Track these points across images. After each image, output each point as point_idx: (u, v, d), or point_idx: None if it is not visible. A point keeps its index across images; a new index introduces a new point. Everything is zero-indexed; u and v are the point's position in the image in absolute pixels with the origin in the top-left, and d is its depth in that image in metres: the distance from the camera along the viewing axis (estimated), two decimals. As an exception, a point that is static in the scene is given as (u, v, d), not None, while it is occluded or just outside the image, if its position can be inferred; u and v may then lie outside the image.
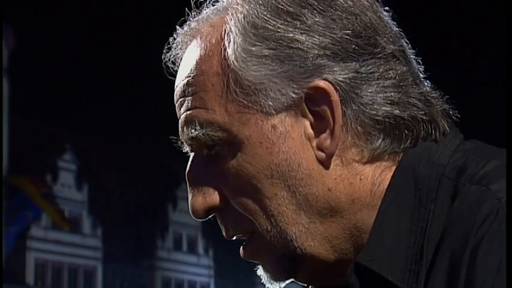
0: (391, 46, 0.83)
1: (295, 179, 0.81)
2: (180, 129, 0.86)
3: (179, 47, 0.90)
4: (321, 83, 0.79)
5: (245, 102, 0.81)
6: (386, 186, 0.81)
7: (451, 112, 0.86)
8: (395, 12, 0.87)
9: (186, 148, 0.88)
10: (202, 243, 48.20)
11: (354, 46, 0.81)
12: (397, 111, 0.81)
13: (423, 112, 0.83)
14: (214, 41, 0.84)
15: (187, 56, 0.86)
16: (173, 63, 0.90)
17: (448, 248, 0.72)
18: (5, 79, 40.90)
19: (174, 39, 0.90)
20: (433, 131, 0.83)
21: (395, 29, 0.87)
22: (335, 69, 0.80)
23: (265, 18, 0.81)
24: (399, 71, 0.83)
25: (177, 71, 0.88)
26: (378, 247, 0.78)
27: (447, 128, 0.85)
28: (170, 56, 0.90)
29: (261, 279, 0.88)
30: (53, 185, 41.49)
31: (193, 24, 0.88)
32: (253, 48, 0.81)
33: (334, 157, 0.81)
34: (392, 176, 0.82)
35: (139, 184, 46.21)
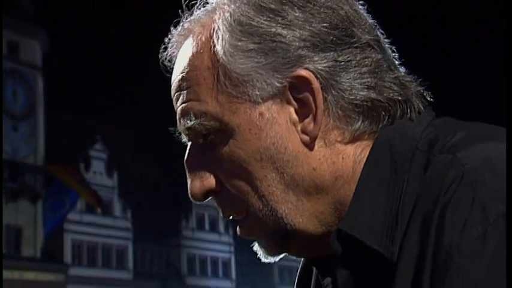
0: (367, 36, 0.84)
1: (283, 161, 0.82)
2: (177, 121, 0.87)
3: (174, 46, 0.90)
4: (303, 72, 0.81)
5: (234, 93, 0.82)
6: (366, 159, 0.83)
7: (425, 93, 0.87)
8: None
9: (184, 138, 0.89)
10: (222, 223, 48.41)
11: (331, 37, 0.82)
12: (374, 94, 0.82)
13: (398, 94, 0.83)
14: (204, 39, 0.85)
15: (181, 54, 0.87)
16: (169, 61, 0.90)
17: (420, 213, 0.74)
18: (40, 78, 41.19)
19: (169, 39, 0.91)
20: (408, 110, 0.84)
21: (370, 21, 0.87)
22: (315, 59, 0.81)
23: (250, 15, 0.82)
24: (374, 59, 0.83)
25: (173, 69, 0.89)
26: (358, 215, 0.79)
27: (422, 107, 0.85)
28: (166, 55, 0.91)
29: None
30: (85, 173, 41.63)
31: (186, 25, 0.88)
32: (240, 43, 0.82)
33: (317, 139, 0.82)
34: (370, 151, 0.82)
35: (164, 170, 46.24)
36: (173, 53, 0.89)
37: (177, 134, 0.90)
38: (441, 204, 0.71)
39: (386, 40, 0.87)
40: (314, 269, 0.93)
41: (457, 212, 0.69)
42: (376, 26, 0.86)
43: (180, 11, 0.90)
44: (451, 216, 0.70)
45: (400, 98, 0.83)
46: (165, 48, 0.90)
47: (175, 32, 0.89)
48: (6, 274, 35.67)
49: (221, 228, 48.40)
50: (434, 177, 0.74)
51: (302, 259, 0.99)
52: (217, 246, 47.86)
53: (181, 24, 0.88)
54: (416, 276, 0.72)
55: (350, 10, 0.84)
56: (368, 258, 0.77)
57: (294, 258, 0.91)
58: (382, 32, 0.87)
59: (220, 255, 47.92)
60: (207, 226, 47.76)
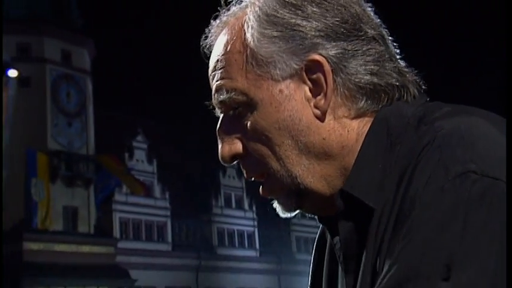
0: (372, 31, 0.86)
1: (297, 130, 0.84)
2: (212, 96, 0.89)
3: (212, 36, 0.92)
4: (317, 57, 0.83)
5: (259, 72, 0.85)
6: (367, 131, 0.85)
7: (420, 82, 0.89)
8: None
9: (218, 111, 0.91)
10: (247, 201, 48.17)
11: (342, 30, 0.84)
12: (376, 79, 0.84)
13: (396, 80, 0.86)
14: (237, 28, 0.88)
15: (218, 41, 0.90)
16: (208, 49, 0.92)
17: (398, 171, 0.76)
18: (89, 81, 41.38)
19: (209, 30, 0.93)
20: (405, 94, 0.86)
21: (377, 20, 0.89)
22: (327, 46, 0.83)
23: (275, 8, 0.85)
24: (378, 50, 0.85)
25: (211, 54, 0.92)
26: (357, 178, 0.81)
27: (416, 93, 0.88)
28: (207, 43, 0.93)
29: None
30: (129, 161, 41.64)
31: (223, 19, 0.91)
32: (266, 31, 0.84)
33: (327, 114, 0.84)
34: (370, 126, 0.84)
35: (196, 158, 46.22)
36: (212, 41, 0.92)
37: (211, 108, 0.93)
38: (413, 163, 0.72)
39: (390, 37, 0.90)
40: (328, 235, 0.95)
41: (424, 169, 0.71)
42: (381, 24, 0.89)
43: (218, 7, 0.93)
44: (419, 172, 0.71)
45: (397, 84, 0.85)
46: (206, 38, 0.93)
47: (214, 24, 0.92)
48: (66, 248, 36.17)
49: (246, 206, 48.14)
50: (415, 142, 0.75)
51: (319, 229, 1.03)
52: (243, 221, 47.62)
53: (219, 18, 0.92)
54: (387, 221, 0.74)
55: (359, 9, 0.86)
56: (365, 213, 0.79)
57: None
58: (386, 29, 0.90)
59: (245, 228, 47.71)
60: (233, 204, 47.54)
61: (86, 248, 37.38)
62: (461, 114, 0.76)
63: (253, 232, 48.15)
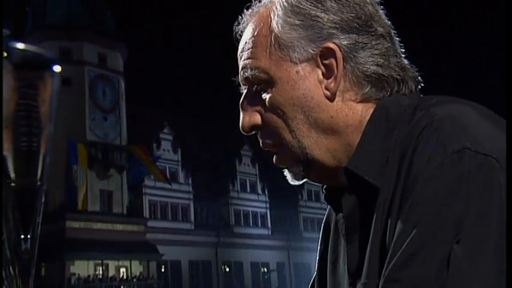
0: (381, 29, 0.86)
1: (309, 107, 0.84)
2: (239, 73, 0.89)
3: (244, 24, 0.91)
4: (331, 45, 0.83)
5: (280, 54, 0.85)
6: (369, 118, 0.85)
7: (418, 78, 0.89)
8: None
9: (242, 87, 0.91)
10: (260, 186, 48.07)
11: (355, 24, 0.84)
12: (381, 70, 0.84)
13: (398, 74, 0.85)
14: (265, 16, 0.88)
15: (248, 27, 0.90)
16: (239, 34, 0.92)
17: (398, 151, 0.76)
18: (122, 80, 41.44)
19: (242, 18, 0.93)
20: (403, 87, 0.86)
21: (387, 20, 0.89)
22: (341, 37, 0.84)
23: (299, 1, 0.85)
24: (385, 46, 0.85)
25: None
26: (360, 158, 0.81)
27: (413, 88, 0.87)
28: (239, 29, 0.92)
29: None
30: (157, 150, 41.67)
31: (255, 9, 0.91)
32: (289, 19, 0.85)
33: (336, 96, 0.84)
34: (372, 113, 0.85)
35: (216, 147, 46.25)
36: (243, 28, 0.91)
37: (237, 84, 0.93)
38: (414, 144, 0.73)
39: (397, 37, 0.90)
40: (333, 217, 0.96)
41: (424, 149, 0.71)
42: (390, 24, 0.89)
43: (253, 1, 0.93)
44: (419, 152, 0.71)
45: (398, 77, 0.85)
46: (238, 24, 0.93)
47: (247, 13, 0.92)
48: (102, 226, 36.42)
49: (259, 190, 48.05)
50: (412, 126, 0.76)
51: (327, 211, 1.02)
52: (256, 203, 47.60)
53: (252, 8, 0.92)
54: (392, 197, 0.74)
55: (372, 9, 0.86)
56: (366, 189, 0.79)
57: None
58: (394, 30, 0.90)
59: (258, 210, 47.70)
60: (248, 189, 47.52)
61: (119, 227, 37.67)
62: (452, 103, 0.77)
63: (266, 213, 48.15)
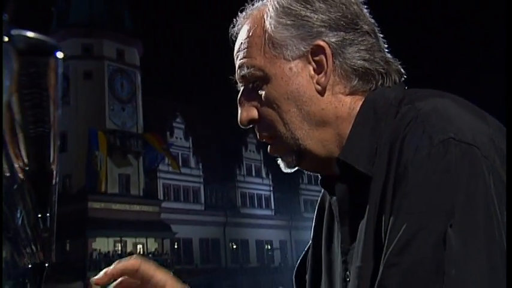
0: (366, 26, 0.85)
1: (302, 101, 0.83)
2: (236, 72, 0.88)
3: (239, 25, 0.90)
4: (321, 42, 0.83)
5: (274, 52, 0.84)
6: (357, 111, 0.84)
7: (401, 70, 0.88)
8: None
9: (239, 85, 0.89)
10: (264, 171, 48.08)
11: (342, 23, 0.84)
12: (367, 64, 0.84)
13: (382, 68, 0.85)
14: (258, 17, 0.87)
15: (243, 29, 0.89)
16: (235, 36, 0.91)
17: (387, 143, 0.75)
18: (138, 73, 41.43)
19: (236, 21, 0.92)
20: (388, 80, 0.85)
21: (371, 18, 0.88)
22: (330, 35, 0.83)
23: (289, 2, 0.85)
24: (370, 42, 0.85)
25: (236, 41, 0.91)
26: (350, 149, 0.81)
27: (397, 80, 0.87)
28: (234, 31, 0.91)
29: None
30: (170, 138, 41.72)
31: (249, 12, 0.90)
32: (281, 20, 0.84)
33: (326, 90, 0.84)
34: (361, 106, 0.84)
35: (224, 135, 46.24)
36: (238, 30, 0.90)
37: (234, 82, 0.91)
38: (401, 136, 0.72)
39: (380, 34, 0.90)
40: (327, 199, 0.96)
41: (411, 140, 0.70)
42: (374, 22, 0.89)
43: (245, 3, 0.92)
44: (407, 144, 0.71)
45: (383, 71, 0.85)
46: (233, 27, 0.91)
47: (240, 16, 0.91)
48: (120, 206, 36.58)
49: (263, 174, 48.10)
50: (399, 119, 0.75)
51: (321, 193, 1.01)
52: (261, 187, 47.72)
53: (245, 11, 0.90)
54: (384, 185, 0.73)
55: (357, 8, 0.86)
56: (356, 177, 0.79)
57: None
58: (378, 26, 0.89)
59: (263, 192, 47.84)
60: (253, 173, 47.59)
61: (136, 207, 37.77)
62: (435, 97, 0.76)
63: (269, 195, 48.31)
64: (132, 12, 42.71)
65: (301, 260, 1.04)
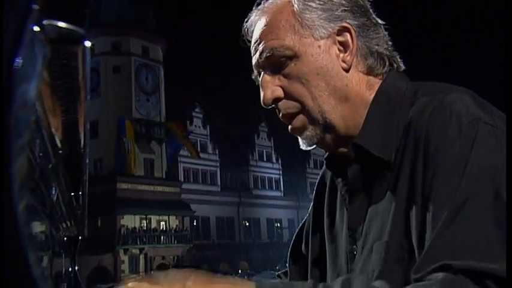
0: (375, 20, 0.86)
1: (329, 76, 0.82)
2: (257, 57, 0.85)
3: (257, 17, 0.87)
4: (346, 24, 0.83)
5: (303, 32, 0.83)
6: (374, 93, 0.84)
7: (400, 62, 0.88)
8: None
9: (255, 73, 0.87)
10: (274, 156, 47.95)
11: (360, 10, 0.84)
12: (380, 49, 0.84)
13: (390, 53, 0.86)
14: (285, 3, 0.85)
15: (264, 18, 0.86)
16: (250, 28, 0.88)
17: (413, 131, 0.73)
18: (161, 68, 41.31)
19: (251, 15, 0.88)
20: (395, 64, 0.86)
21: (375, 13, 0.88)
22: (352, 18, 0.83)
23: None
24: (381, 31, 0.86)
25: (248, 38, 0.88)
26: (366, 135, 0.80)
27: (401, 66, 0.87)
28: (248, 25, 0.88)
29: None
30: (190, 126, 41.73)
31: (269, 3, 0.87)
32: (309, 3, 0.83)
33: (351, 68, 0.83)
34: (375, 94, 0.83)
35: (238, 124, 46.21)
36: (257, 21, 0.87)
37: (250, 70, 0.89)
38: (427, 122, 0.71)
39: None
40: (327, 179, 0.95)
41: (440, 122, 0.70)
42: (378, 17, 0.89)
43: None
44: (435, 125, 0.70)
45: (390, 56, 0.86)
46: (247, 21, 0.89)
47: (255, 10, 0.88)
48: (145, 187, 36.77)
49: (274, 159, 47.90)
50: (420, 108, 0.74)
51: (321, 172, 1.00)
52: (271, 170, 47.63)
53: (263, 4, 0.88)
54: (413, 167, 0.71)
55: (367, 3, 0.87)
56: (369, 160, 0.78)
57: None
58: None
59: (273, 176, 47.76)
60: (264, 158, 47.43)
61: (159, 188, 37.80)
62: (451, 90, 0.75)
63: (279, 178, 48.19)
64: (156, 13, 42.60)
65: (295, 239, 1.02)
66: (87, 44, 0.56)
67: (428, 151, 0.69)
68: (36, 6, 0.30)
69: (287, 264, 1.04)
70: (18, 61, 0.29)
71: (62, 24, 0.51)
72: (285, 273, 1.07)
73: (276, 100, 0.84)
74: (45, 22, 0.39)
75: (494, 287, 0.59)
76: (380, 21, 0.87)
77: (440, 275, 0.61)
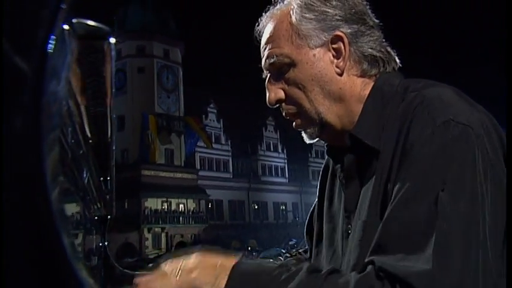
0: (371, 22, 0.84)
1: (324, 81, 0.81)
2: (263, 61, 0.85)
3: (264, 23, 0.87)
4: (339, 33, 0.81)
5: (299, 42, 0.81)
6: (368, 93, 0.82)
7: (397, 60, 0.85)
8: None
9: (265, 73, 0.86)
10: (280, 147, 47.83)
11: (354, 17, 0.82)
12: (374, 52, 0.82)
13: (385, 56, 0.83)
14: (285, 14, 0.84)
15: (269, 25, 0.85)
16: (259, 33, 0.87)
17: (397, 124, 0.73)
18: (180, 69, 41.26)
19: (261, 20, 0.88)
20: (388, 66, 0.84)
21: (373, 16, 0.85)
22: (345, 27, 0.81)
23: (312, 0, 0.83)
24: (376, 34, 0.83)
25: (261, 38, 0.87)
26: (361, 127, 0.79)
27: (395, 66, 0.85)
28: (259, 29, 0.87)
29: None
30: (205, 120, 41.75)
31: (274, 11, 0.86)
32: (305, 15, 0.82)
33: (344, 72, 0.81)
34: (370, 91, 0.82)
35: (249, 118, 46.09)
36: (263, 27, 0.86)
37: (260, 70, 0.88)
38: (409, 118, 0.70)
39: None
40: (330, 166, 0.94)
41: (418, 122, 0.69)
42: (377, 19, 0.86)
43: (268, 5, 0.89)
44: (414, 124, 0.69)
45: (385, 59, 0.83)
46: (258, 25, 0.88)
47: (265, 16, 0.87)
48: (166, 174, 36.97)
49: (280, 150, 47.80)
50: (407, 104, 0.73)
51: (325, 161, 0.99)
52: (277, 159, 47.55)
53: (270, 11, 0.87)
54: (392, 157, 0.71)
55: (363, 7, 0.84)
56: (363, 150, 0.78)
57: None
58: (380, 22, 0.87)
59: (279, 164, 47.68)
60: (272, 148, 47.35)
61: (178, 175, 38.00)
62: (436, 86, 0.75)
63: (284, 166, 48.10)
64: (176, 20, 42.52)
65: (308, 218, 1.03)
66: (112, 40, 0.55)
67: (405, 146, 0.69)
68: (64, 6, 0.29)
69: (305, 240, 1.05)
70: (49, 56, 0.28)
71: (89, 22, 0.50)
72: (305, 251, 1.08)
73: (279, 101, 0.84)
74: (74, 20, 0.38)
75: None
76: (376, 22, 0.84)
77: (368, 268, 0.64)
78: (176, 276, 0.68)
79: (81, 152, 0.63)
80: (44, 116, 0.27)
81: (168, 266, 0.71)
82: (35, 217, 0.26)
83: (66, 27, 0.31)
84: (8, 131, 0.26)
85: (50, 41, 0.28)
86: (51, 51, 0.28)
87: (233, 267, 0.68)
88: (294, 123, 0.86)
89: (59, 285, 0.28)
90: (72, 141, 0.61)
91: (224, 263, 0.69)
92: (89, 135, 0.62)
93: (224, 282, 0.67)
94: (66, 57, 0.33)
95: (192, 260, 0.70)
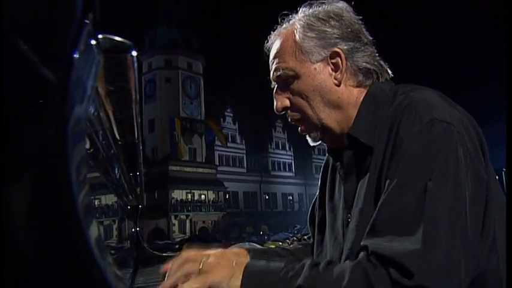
0: (366, 39, 0.82)
1: (324, 91, 0.80)
2: (271, 75, 0.84)
3: (272, 40, 0.86)
4: (337, 49, 0.80)
5: (302, 57, 0.81)
6: (362, 100, 0.82)
7: (389, 71, 0.84)
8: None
9: (273, 83, 0.85)
10: (287, 145, 47.71)
11: (350, 36, 0.81)
12: (368, 66, 0.81)
13: (378, 69, 0.82)
14: (290, 33, 0.83)
15: (277, 42, 0.84)
16: (268, 49, 0.86)
17: (388, 123, 0.71)
18: (201, 78, 41.30)
19: (270, 37, 0.87)
20: (381, 77, 0.83)
21: (367, 33, 0.84)
22: (342, 44, 0.80)
23: (313, 21, 0.82)
24: (370, 50, 0.82)
25: (270, 52, 0.86)
26: (357, 128, 0.78)
27: (388, 77, 0.83)
28: (268, 46, 0.86)
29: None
30: (222, 123, 41.80)
31: (281, 30, 0.85)
32: (307, 34, 0.81)
33: (341, 83, 0.81)
34: (364, 96, 0.81)
35: (261, 120, 46.12)
36: (272, 44, 0.86)
37: (269, 82, 0.87)
38: (399, 118, 0.69)
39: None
40: (330, 163, 0.93)
41: (406, 120, 0.68)
42: (371, 37, 0.84)
43: (280, 20, 0.88)
44: (403, 123, 0.68)
45: (378, 71, 0.82)
46: (267, 42, 0.87)
47: (273, 34, 0.87)
48: (190, 169, 37.23)
49: (287, 148, 47.62)
50: (396, 106, 0.73)
51: (325, 158, 0.98)
52: (285, 156, 47.37)
53: (277, 29, 0.86)
54: (384, 153, 0.70)
55: (358, 26, 0.83)
56: (360, 147, 0.77)
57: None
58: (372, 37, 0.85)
59: (287, 160, 47.51)
60: (280, 147, 47.20)
61: (200, 170, 38.11)
62: (422, 89, 0.74)
63: (291, 163, 47.93)
64: (197, 37, 42.68)
65: (311, 209, 1.02)
66: (134, 53, 0.54)
67: (396, 143, 0.68)
68: (88, 21, 0.28)
69: (308, 227, 1.04)
70: (75, 68, 0.27)
71: (114, 37, 0.49)
72: (309, 237, 1.08)
73: (285, 108, 0.84)
74: (100, 36, 0.38)
75: (396, 273, 0.57)
76: (370, 38, 0.83)
77: (360, 254, 0.63)
78: (199, 266, 0.67)
79: (112, 152, 0.63)
80: (70, 123, 0.27)
81: (194, 253, 0.70)
82: (59, 213, 0.26)
83: (93, 41, 0.31)
84: (37, 137, 0.25)
85: (76, 54, 0.27)
86: (77, 63, 0.27)
87: (245, 267, 0.68)
88: (299, 128, 0.85)
89: (81, 276, 0.27)
90: (104, 142, 0.61)
91: (238, 261, 0.69)
92: (118, 137, 0.62)
93: (239, 281, 0.66)
94: (91, 68, 0.32)
95: (213, 255, 0.70)
